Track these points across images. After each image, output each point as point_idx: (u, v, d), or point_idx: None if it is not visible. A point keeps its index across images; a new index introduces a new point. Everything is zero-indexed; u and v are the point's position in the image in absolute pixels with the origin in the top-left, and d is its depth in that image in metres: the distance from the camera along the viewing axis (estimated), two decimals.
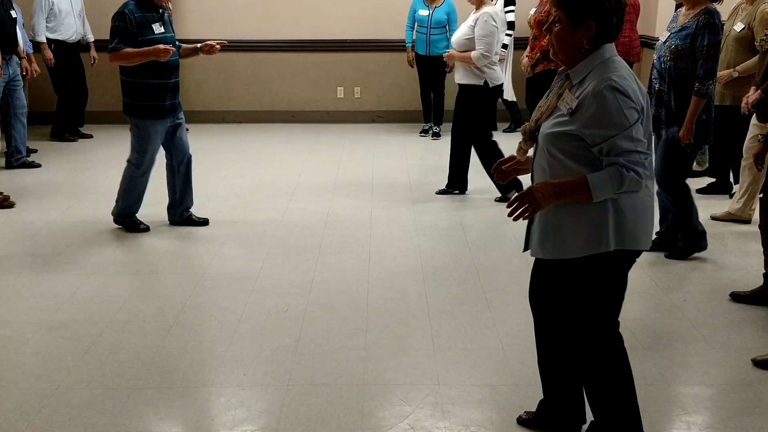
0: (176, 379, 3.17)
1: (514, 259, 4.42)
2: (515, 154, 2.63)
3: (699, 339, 3.52)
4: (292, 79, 8.79)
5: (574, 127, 2.30)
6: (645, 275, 4.27)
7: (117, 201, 5.05)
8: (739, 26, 5.42)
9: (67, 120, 7.88)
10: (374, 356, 3.34)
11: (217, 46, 4.91)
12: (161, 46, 4.65)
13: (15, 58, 6.52)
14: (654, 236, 4.63)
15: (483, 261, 4.51)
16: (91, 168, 6.79)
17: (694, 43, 4.14)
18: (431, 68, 7.87)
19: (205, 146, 7.60)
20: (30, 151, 7.10)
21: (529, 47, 6.35)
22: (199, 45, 4.95)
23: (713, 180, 6.05)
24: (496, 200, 5.75)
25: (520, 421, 2.84)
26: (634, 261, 2.49)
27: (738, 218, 5.21)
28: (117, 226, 5.07)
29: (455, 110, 5.82)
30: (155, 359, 3.32)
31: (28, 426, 2.81)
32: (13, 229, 5.09)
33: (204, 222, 5.20)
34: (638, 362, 3.30)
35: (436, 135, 8.05)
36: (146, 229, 5.04)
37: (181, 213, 5.17)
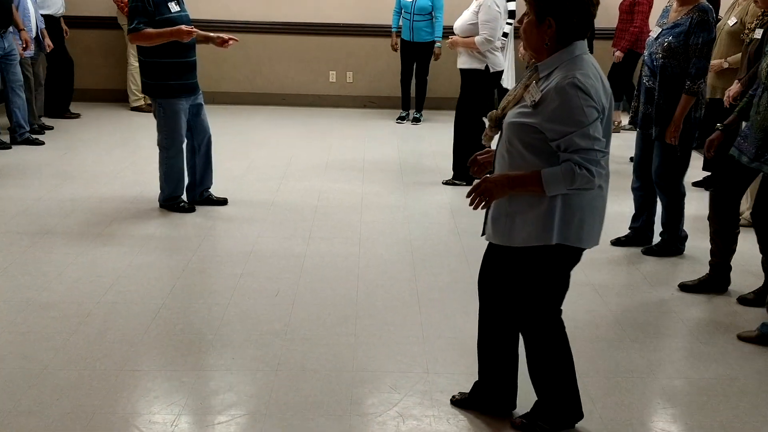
0: (164, 362, 3.16)
1: None
2: (482, 140, 2.69)
3: (686, 333, 3.55)
4: (284, 62, 8.73)
5: (535, 119, 2.35)
6: (633, 269, 4.29)
7: (162, 188, 5.08)
8: (732, 20, 5.41)
9: (63, 96, 7.81)
10: (364, 343, 3.34)
11: (230, 42, 4.88)
12: (184, 27, 4.67)
13: (9, 32, 6.45)
14: (628, 231, 4.67)
15: (473, 249, 4.50)
16: (89, 146, 6.74)
17: (687, 40, 4.07)
18: (415, 54, 7.93)
19: None
20: (44, 128, 7.15)
21: None
22: (212, 35, 4.92)
23: (709, 173, 5.93)
24: (443, 183, 5.88)
25: (453, 401, 2.91)
26: (579, 259, 2.55)
27: None
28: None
29: (459, 97, 5.86)
30: (143, 341, 3.31)
31: (14, 406, 2.79)
32: (0, 207, 5.04)
33: (223, 201, 5.23)
34: (625, 354, 3.33)
35: (416, 120, 8.15)
36: (192, 209, 5.06)
37: (201, 193, 5.19)
